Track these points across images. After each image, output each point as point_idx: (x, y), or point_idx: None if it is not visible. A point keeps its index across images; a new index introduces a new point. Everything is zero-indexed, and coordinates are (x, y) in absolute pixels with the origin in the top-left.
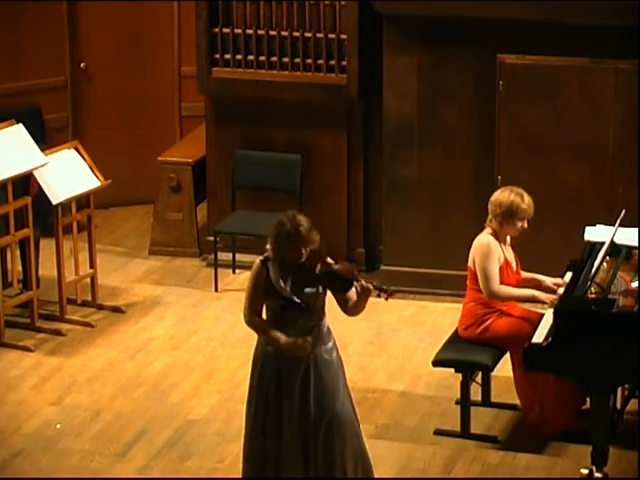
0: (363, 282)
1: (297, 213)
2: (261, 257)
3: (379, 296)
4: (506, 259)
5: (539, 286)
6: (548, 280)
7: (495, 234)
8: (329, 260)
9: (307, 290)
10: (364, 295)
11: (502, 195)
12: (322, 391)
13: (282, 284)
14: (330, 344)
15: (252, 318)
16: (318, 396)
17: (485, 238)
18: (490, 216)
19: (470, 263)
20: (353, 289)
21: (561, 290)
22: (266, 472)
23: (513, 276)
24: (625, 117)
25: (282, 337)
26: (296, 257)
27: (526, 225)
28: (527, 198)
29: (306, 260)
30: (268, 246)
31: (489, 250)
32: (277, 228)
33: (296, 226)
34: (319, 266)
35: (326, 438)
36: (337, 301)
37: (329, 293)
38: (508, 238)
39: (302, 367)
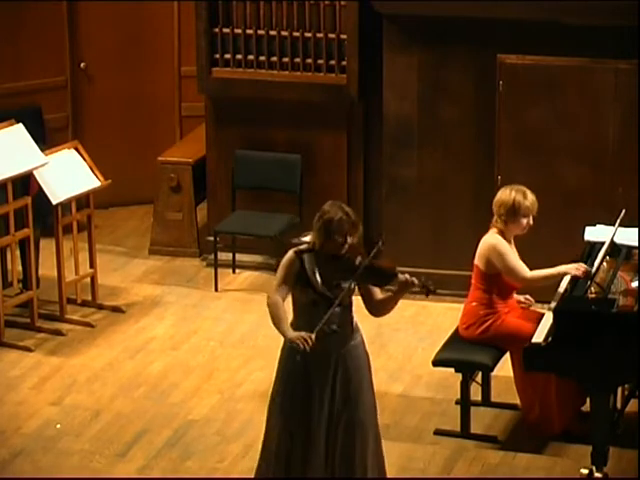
0: (407, 276)
1: (341, 203)
2: (295, 249)
3: (420, 292)
4: None
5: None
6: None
7: (502, 234)
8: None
9: (343, 285)
10: (404, 290)
11: (504, 194)
12: (347, 385)
13: (317, 276)
14: (357, 340)
15: (277, 298)
16: (342, 390)
17: (493, 237)
18: (495, 217)
19: (477, 261)
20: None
21: (561, 291)
22: (291, 470)
23: None
24: (625, 117)
25: (289, 332)
26: (339, 246)
27: (531, 222)
28: (529, 194)
29: (346, 250)
30: (305, 238)
31: (501, 246)
32: (327, 216)
33: (346, 212)
34: (359, 258)
35: (346, 432)
36: (365, 300)
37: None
38: (511, 238)
39: (332, 365)
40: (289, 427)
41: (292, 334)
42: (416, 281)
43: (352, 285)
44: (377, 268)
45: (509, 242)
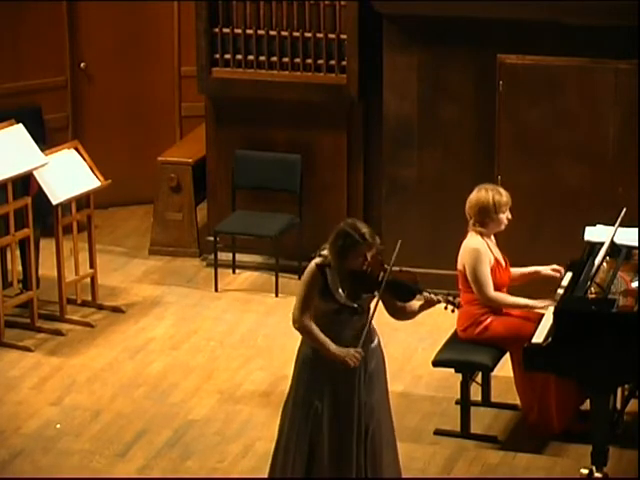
0: (432, 295)
1: (355, 220)
2: (316, 261)
3: (445, 308)
4: (496, 259)
5: (539, 276)
6: (547, 268)
7: (481, 235)
8: (386, 266)
9: (364, 295)
10: (427, 306)
11: (479, 195)
12: (368, 387)
13: (341, 292)
14: (376, 342)
15: (306, 321)
16: (364, 391)
17: (473, 242)
18: (472, 220)
19: (460, 266)
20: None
21: (560, 291)
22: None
23: (505, 274)
24: (625, 117)
25: (332, 346)
26: (360, 264)
27: (510, 216)
28: (502, 190)
29: (367, 267)
30: (324, 252)
31: (479, 254)
32: (342, 238)
33: (362, 234)
34: (381, 274)
35: (372, 435)
36: (386, 305)
37: None
38: (493, 237)
39: (357, 369)
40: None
41: (340, 352)
42: (441, 299)
43: (374, 294)
44: (399, 284)
45: (490, 241)
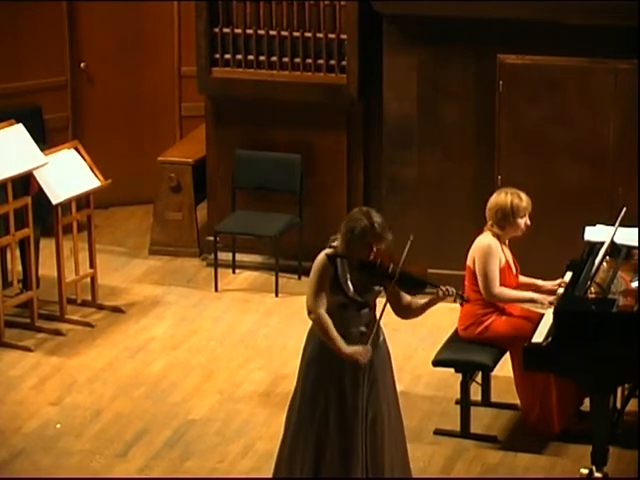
0: (448, 287)
1: (370, 209)
2: (326, 252)
3: (455, 301)
4: (507, 261)
5: (538, 290)
6: (547, 284)
7: (497, 237)
8: (397, 258)
9: (374, 288)
10: (437, 301)
11: (499, 198)
12: (374, 383)
13: (349, 283)
14: (381, 338)
15: (322, 313)
16: (369, 388)
17: (486, 239)
18: (490, 222)
19: (469, 262)
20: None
21: (561, 290)
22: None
23: (513, 278)
24: (625, 117)
25: (342, 343)
26: (367, 254)
27: (529, 222)
28: (523, 195)
29: (375, 258)
30: (335, 243)
31: (490, 251)
32: (352, 224)
33: (372, 223)
34: (391, 266)
35: (373, 429)
36: (392, 303)
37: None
38: (507, 241)
39: (363, 368)
40: (316, 430)
41: (349, 350)
42: (450, 291)
43: (380, 288)
44: (409, 277)
45: (504, 244)
